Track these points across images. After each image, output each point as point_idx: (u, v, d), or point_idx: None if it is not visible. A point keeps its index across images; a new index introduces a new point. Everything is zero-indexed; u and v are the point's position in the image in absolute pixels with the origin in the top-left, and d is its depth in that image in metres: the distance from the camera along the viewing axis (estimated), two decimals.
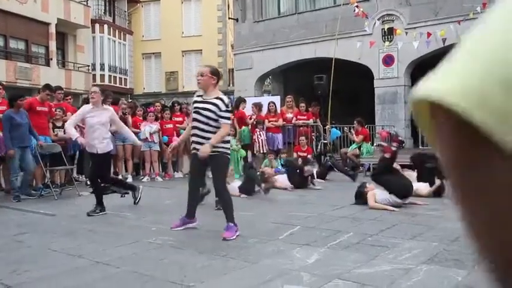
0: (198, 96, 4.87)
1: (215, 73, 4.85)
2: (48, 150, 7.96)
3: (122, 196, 7.19)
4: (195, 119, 4.73)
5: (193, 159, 4.92)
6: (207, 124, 4.64)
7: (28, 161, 7.48)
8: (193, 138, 4.74)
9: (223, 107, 4.65)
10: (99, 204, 6.03)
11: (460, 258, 3.70)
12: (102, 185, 6.46)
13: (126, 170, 10.15)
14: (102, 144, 6.00)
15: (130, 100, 17.28)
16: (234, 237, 4.53)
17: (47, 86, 8.57)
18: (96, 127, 6.00)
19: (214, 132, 4.62)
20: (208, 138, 4.60)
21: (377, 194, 6.08)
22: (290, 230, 4.85)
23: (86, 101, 9.60)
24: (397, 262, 3.65)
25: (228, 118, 4.75)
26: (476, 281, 3.21)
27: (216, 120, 4.63)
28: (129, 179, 9.80)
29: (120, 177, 9.68)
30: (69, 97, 10.23)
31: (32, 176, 7.75)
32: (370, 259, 3.74)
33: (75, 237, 4.75)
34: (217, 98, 4.71)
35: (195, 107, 4.76)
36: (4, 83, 8.82)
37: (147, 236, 4.68)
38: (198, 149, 4.64)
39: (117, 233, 4.93)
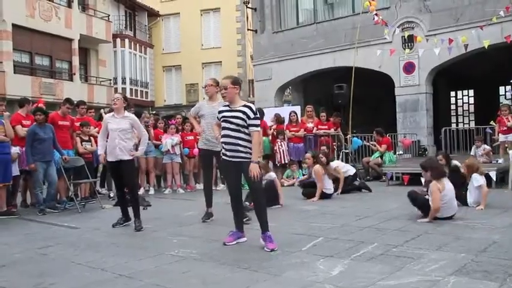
0: (225, 106, 4.93)
1: (236, 82, 4.92)
2: (71, 164, 8.08)
3: (144, 209, 7.22)
4: (224, 128, 4.77)
5: (224, 167, 4.97)
6: (238, 131, 4.67)
7: (50, 174, 7.59)
8: (225, 146, 4.78)
9: (252, 115, 4.68)
10: (137, 217, 5.92)
11: (489, 269, 3.59)
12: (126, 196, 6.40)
13: (148, 182, 10.23)
14: (123, 152, 5.90)
15: (154, 112, 17.46)
16: (277, 246, 4.50)
17: (67, 100, 8.71)
18: (116, 134, 5.89)
19: (245, 139, 4.67)
20: (239, 145, 4.66)
21: None
22: (313, 241, 4.78)
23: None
24: (423, 274, 3.55)
25: (257, 125, 4.75)
26: None
27: (247, 127, 4.67)
28: (151, 191, 9.89)
29: (142, 189, 9.76)
30: (92, 111, 10.39)
31: (55, 189, 7.85)
32: (396, 271, 3.66)
33: (98, 250, 4.78)
34: (244, 106, 4.76)
35: (223, 116, 4.80)
36: (30, 99, 8.97)
37: (170, 249, 4.68)
38: (229, 156, 4.73)
39: (139, 246, 4.94)
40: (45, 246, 5.04)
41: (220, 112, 4.92)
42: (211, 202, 6.37)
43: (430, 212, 5.71)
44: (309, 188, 8.41)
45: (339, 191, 8.79)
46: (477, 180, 6.70)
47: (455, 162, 8.04)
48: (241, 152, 4.68)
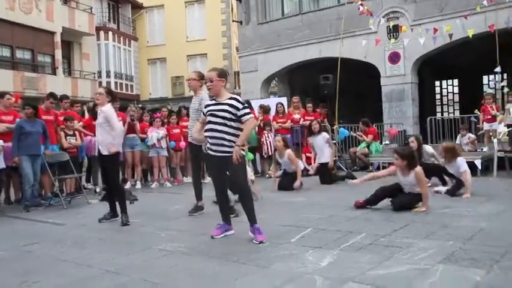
0: (211, 99, 4.87)
1: (222, 75, 4.83)
2: (55, 159, 7.95)
3: (130, 203, 7.15)
4: (210, 122, 4.68)
5: (209, 161, 4.87)
6: (224, 125, 4.59)
7: (33, 171, 7.43)
8: (210, 140, 4.70)
9: (240, 105, 4.61)
10: (124, 211, 5.84)
11: (476, 257, 3.61)
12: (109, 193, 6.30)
13: (133, 177, 10.12)
14: (101, 147, 5.86)
15: (139, 105, 17.28)
16: (266, 238, 4.46)
17: (51, 94, 8.60)
18: (97, 128, 5.96)
19: (230, 133, 4.58)
20: (224, 139, 4.58)
21: None
22: (301, 233, 4.77)
23: (91, 109, 9.67)
24: (412, 262, 3.57)
25: (250, 113, 4.66)
26: (496, 281, 3.12)
27: (234, 120, 4.59)
28: (138, 185, 9.80)
29: (129, 184, 9.66)
30: (78, 105, 10.26)
31: (37, 185, 7.66)
32: (384, 260, 3.67)
33: (85, 247, 4.71)
34: (231, 98, 4.68)
35: (209, 110, 4.71)
36: (12, 93, 8.76)
37: (157, 243, 4.63)
38: (214, 150, 4.65)
39: (126, 241, 4.89)
40: (30, 243, 4.96)
41: (206, 106, 4.83)
42: (201, 195, 6.30)
43: (425, 200, 5.75)
44: (283, 182, 8.38)
45: (331, 160, 9.04)
46: (463, 165, 6.74)
47: (427, 147, 8.10)
48: (226, 146, 4.58)
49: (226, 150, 4.58)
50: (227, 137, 4.59)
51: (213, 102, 4.78)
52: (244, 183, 4.76)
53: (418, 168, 5.84)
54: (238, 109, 4.58)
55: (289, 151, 8.25)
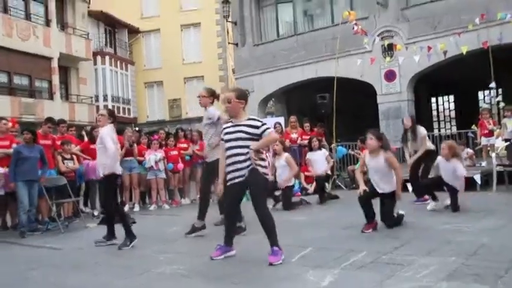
0: (228, 122, 4.77)
1: (242, 96, 4.69)
2: (53, 183, 7.90)
3: None
4: (229, 147, 4.55)
5: (230, 189, 4.64)
6: (240, 147, 4.46)
7: (32, 196, 7.37)
8: (230, 168, 4.54)
9: (259, 123, 4.52)
10: (128, 233, 5.71)
11: (480, 273, 3.57)
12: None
13: (131, 199, 10.05)
14: (100, 167, 5.83)
15: (136, 128, 17.27)
16: (280, 261, 4.29)
17: (49, 119, 8.61)
18: (97, 151, 5.96)
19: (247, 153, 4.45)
20: (242, 161, 4.45)
21: None
22: (302, 252, 4.72)
23: (89, 133, 9.68)
24: (415, 280, 3.52)
25: (269, 127, 4.55)
26: None
27: (251, 139, 4.46)
28: (136, 208, 9.72)
29: (127, 206, 9.58)
30: (73, 128, 10.24)
31: (33, 210, 7.58)
32: (386, 278, 3.61)
33: (83, 271, 4.65)
34: (248, 119, 4.57)
35: (226, 133, 4.60)
36: (8, 118, 8.76)
37: (156, 266, 4.57)
38: (237, 176, 4.49)
39: (125, 265, 4.82)
40: (28, 269, 4.89)
41: (224, 132, 4.68)
42: (205, 214, 6.11)
43: (398, 186, 5.72)
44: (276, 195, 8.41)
45: (325, 170, 9.19)
46: (461, 168, 6.70)
47: (421, 128, 8.07)
48: (244, 168, 4.46)
49: (244, 172, 4.47)
50: (243, 158, 4.46)
51: (230, 124, 4.67)
52: (264, 205, 4.59)
53: (390, 154, 5.80)
54: (257, 127, 4.48)
55: (287, 154, 8.39)
